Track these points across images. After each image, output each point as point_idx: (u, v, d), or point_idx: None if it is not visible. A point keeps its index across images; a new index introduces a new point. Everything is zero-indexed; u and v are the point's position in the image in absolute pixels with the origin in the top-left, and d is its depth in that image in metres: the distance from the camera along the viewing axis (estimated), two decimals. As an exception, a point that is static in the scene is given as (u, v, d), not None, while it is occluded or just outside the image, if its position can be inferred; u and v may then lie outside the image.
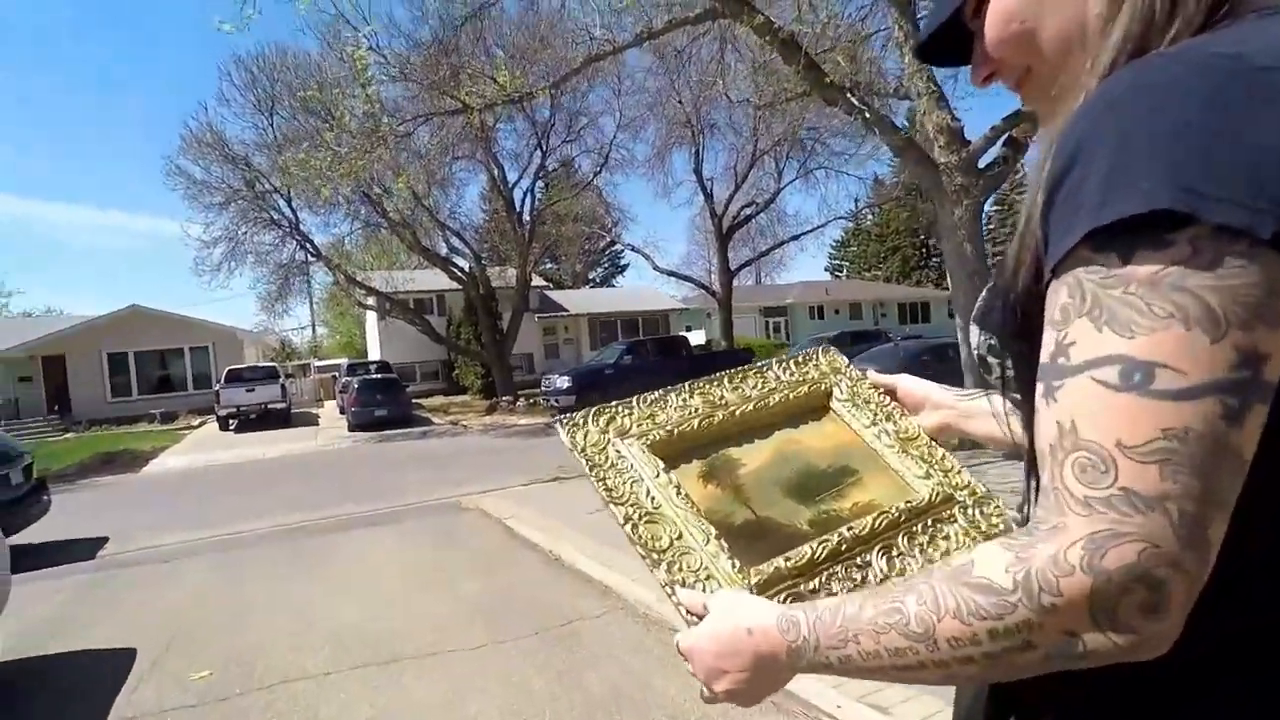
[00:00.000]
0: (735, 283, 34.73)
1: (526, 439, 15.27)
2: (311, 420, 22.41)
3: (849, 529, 0.81)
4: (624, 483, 0.83)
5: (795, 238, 25.32)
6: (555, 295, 34.30)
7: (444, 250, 20.75)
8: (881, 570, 0.79)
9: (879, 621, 0.55)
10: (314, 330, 39.14)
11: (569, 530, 6.10)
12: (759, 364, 1.04)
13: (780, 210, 26.08)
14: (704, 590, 0.74)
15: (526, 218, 21.18)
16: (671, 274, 26.69)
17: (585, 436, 0.88)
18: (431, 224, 19.79)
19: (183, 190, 17.47)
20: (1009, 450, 0.78)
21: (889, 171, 49.35)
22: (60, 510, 11.17)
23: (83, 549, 7.88)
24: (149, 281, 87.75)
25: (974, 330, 0.69)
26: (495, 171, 20.16)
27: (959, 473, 0.91)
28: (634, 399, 0.94)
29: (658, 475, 0.84)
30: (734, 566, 0.75)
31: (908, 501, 0.86)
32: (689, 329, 34.00)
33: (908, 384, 1.00)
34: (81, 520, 9.75)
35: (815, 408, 0.99)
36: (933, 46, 0.73)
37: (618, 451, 0.87)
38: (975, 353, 0.70)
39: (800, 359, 1.06)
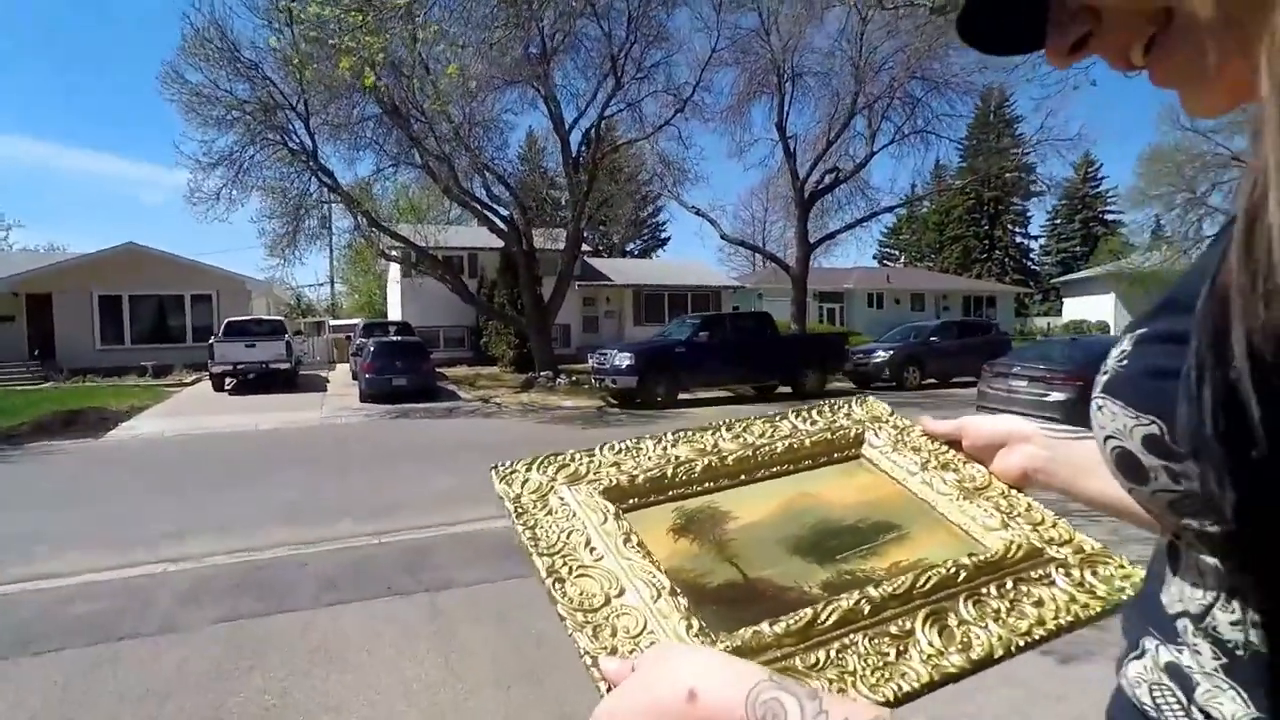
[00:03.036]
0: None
1: (578, 428, 12.25)
2: (319, 385, 19.53)
3: (878, 586, 0.57)
4: (558, 531, 0.63)
5: (890, 209, 21.85)
6: (597, 263, 31.12)
7: (483, 196, 17.56)
8: (931, 644, 0.53)
9: None
10: (332, 287, 36.28)
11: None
12: (769, 414, 0.80)
13: (864, 180, 22.56)
14: None
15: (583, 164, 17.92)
16: (740, 244, 23.42)
17: (524, 484, 0.69)
18: (472, 166, 16.65)
19: (180, 101, 14.47)
20: (1144, 523, 0.56)
21: (956, 156, 45.71)
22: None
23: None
24: (167, 233, 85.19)
25: (1107, 404, 0.44)
26: (551, 106, 16.90)
27: (1054, 525, 0.65)
28: (599, 446, 0.74)
29: (605, 521, 0.63)
30: (690, 629, 0.53)
31: (973, 555, 0.61)
32: (736, 309, 30.81)
33: (977, 424, 0.73)
34: (-10, 508, 7.08)
35: (841, 457, 0.76)
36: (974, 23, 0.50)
37: (560, 498, 0.67)
38: (1114, 445, 0.43)
39: (828, 407, 0.82)
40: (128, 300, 22.67)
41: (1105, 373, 0.44)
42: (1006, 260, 53.99)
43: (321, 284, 47.21)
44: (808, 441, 0.76)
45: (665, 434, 0.76)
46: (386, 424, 13.07)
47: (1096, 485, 0.62)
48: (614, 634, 0.53)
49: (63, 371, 20.79)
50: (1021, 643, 0.54)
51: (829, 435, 0.77)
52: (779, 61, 19.30)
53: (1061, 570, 0.60)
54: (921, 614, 0.56)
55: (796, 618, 0.54)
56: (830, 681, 0.50)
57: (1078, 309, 42.05)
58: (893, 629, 0.54)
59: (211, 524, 6.34)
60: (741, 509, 0.68)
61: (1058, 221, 56.44)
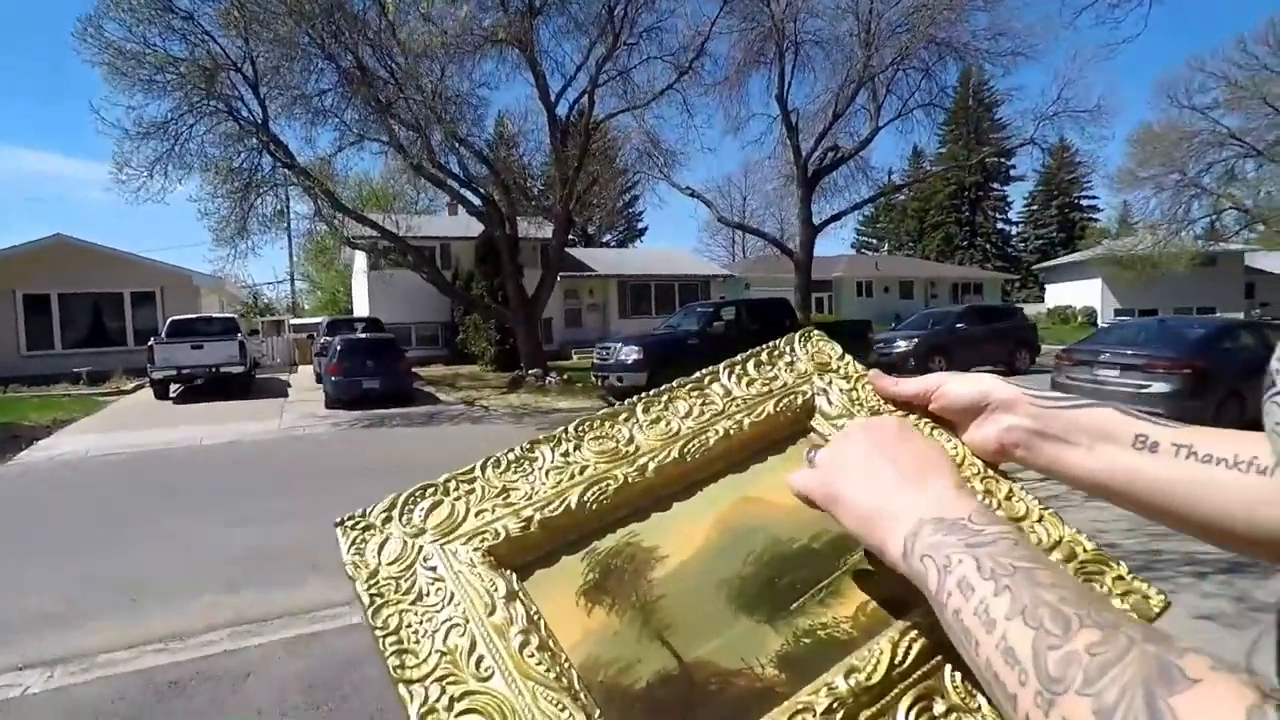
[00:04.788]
0: (769, 253, 29.54)
1: (585, 434, 10.54)
2: (279, 390, 17.48)
3: (849, 674, 0.46)
4: (432, 632, 0.46)
5: (899, 188, 20.47)
6: (577, 253, 29.29)
7: (459, 174, 15.68)
8: None
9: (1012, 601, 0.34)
10: (292, 283, 33.81)
11: None
12: (697, 376, 0.65)
13: (863, 159, 21.11)
14: None
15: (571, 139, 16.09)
16: (739, 227, 21.84)
17: (381, 549, 0.51)
18: (447, 141, 14.75)
19: (103, 63, 12.33)
20: (1170, 521, 0.48)
21: (935, 140, 44.68)
22: None
23: None
24: (112, 233, 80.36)
25: None
26: (536, 72, 15.05)
27: (1040, 519, 0.54)
28: (481, 464, 0.56)
29: (493, 610, 0.47)
30: None
31: None
32: (723, 299, 29.30)
33: (950, 385, 0.59)
34: None
35: (786, 437, 0.62)
36: None
37: (430, 570, 0.49)
38: None
39: (767, 354, 0.67)
40: (57, 299, 20.24)
41: None
42: (988, 247, 53.47)
43: (280, 280, 44.43)
44: (745, 424, 0.61)
45: (565, 430, 0.59)
46: (358, 434, 11.22)
47: (1088, 464, 0.52)
48: None
49: (-19, 381, 18.39)
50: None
51: (772, 408, 0.62)
52: (780, 26, 17.72)
53: None
54: (905, 702, 0.45)
55: None
56: None
57: (1061, 295, 41.49)
58: None
59: (120, 592, 4.58)
60: (670, 540, 0.53)
61: (1034, 208, 56.09)
